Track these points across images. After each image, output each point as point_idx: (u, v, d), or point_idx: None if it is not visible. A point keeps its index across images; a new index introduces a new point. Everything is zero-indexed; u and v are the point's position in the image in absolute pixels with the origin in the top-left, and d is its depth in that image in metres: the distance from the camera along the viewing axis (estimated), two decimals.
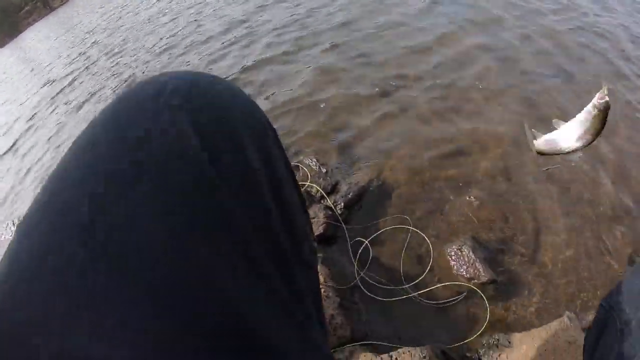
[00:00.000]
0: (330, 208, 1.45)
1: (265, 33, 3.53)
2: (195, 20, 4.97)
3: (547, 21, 2.64)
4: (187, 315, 0.26)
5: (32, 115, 4.68)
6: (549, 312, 1.15)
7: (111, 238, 0.25)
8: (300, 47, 2.99)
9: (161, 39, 4.84)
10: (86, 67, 5.42)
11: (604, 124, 0.61)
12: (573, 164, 1.53)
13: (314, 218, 1.37)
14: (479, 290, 1.18)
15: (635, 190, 1.49)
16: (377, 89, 2.19)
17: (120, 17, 7.91)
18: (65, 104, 4.41)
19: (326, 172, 1.63)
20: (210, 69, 3.27)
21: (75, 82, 5.00)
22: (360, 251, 1.32)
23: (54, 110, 4.45)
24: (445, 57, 2.39)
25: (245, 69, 2.96)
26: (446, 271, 1.26)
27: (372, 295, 1.21)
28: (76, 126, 3.59)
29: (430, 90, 2.12)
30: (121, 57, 5.00)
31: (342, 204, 1.46)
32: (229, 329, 0.28)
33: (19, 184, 3.16)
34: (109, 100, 0.34)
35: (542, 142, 0.70)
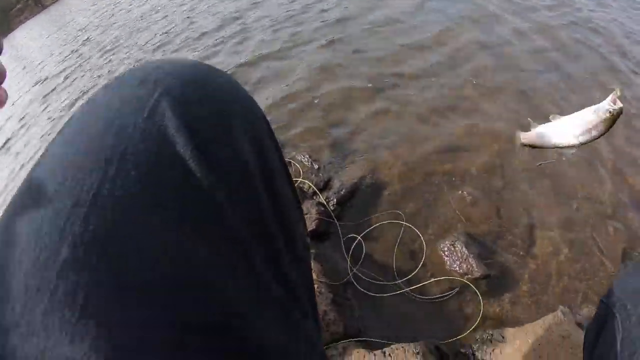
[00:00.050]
0: (322, 204, 1.43)
1: (260, 29, 3.50)
2: (188, 17, 4.92)
3: (541, 17, 2.64)
4: (179, 313, 0.24)
5: (25, 114, 4.62)
6: (543, 306, 1.15)
7: (98, 232, 0.23)
8: (295, 44, 2.96)
9: (154, 36, 4.79)
10: (79, 65, 5.35)
11: (612, 127, 0.60)
12: (564, 159, 1.53)
13: (306, 214, 1.35)
14: (472, 286, 1.17)
15: (630, 186, 1.50)
16: (372, 85, 2.18)
17: (112, 15, 7.83)
18: (58, 102, 4.36)
19: (319, 168, 1.61)
20: None
21: (68, 80, 4.94)
22: (353, 247, 1.30)
23: (46, 108, 4.40)
24: (440, 53, 2.38)
25: (240, 66, 2.93)
26: (439, 267, 1.25)
27: (365, 291, 1.20)
28: None
29: (425, 86, 2.11)
30: (114, 54, 4.95)
31: (335, 200, 1.45)
32: (224, 328, 0.27)
33: (12, 182, 3.12)
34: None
35: (537, 132, 0.69)
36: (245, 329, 0.27)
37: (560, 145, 0.65)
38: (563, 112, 0.64)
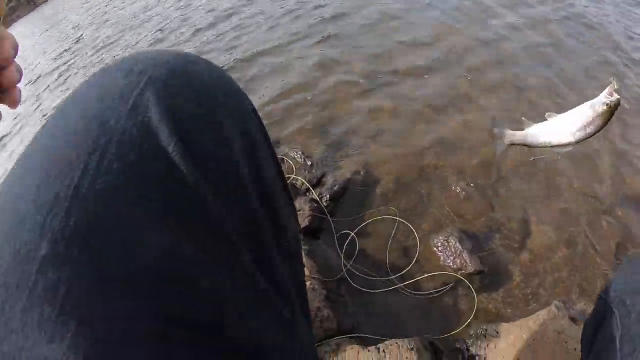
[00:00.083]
0: (315, 200, 1.42)
1: (255, 25, 3.48)
2: (182, 14, 4.88)
3: (536, 12, 2.64)
4: (163, 305, 0.24)
5: (18, 113, 4.57)
6: (537, 301, 1.15)
7: (79, 225, 0.23)
8: (290, 40, 2.94)
9: (148, 33, 4.75)
10: (72, 63, 5.30)
11: (609, 120, 0.59)
12: (559, 157, 1.52)
13: (299, 211, 1.34)
14: (466, 281, 1.17)
15: (624, 180, 1.50)
16: (366, 81, 2.17)
17: (105, 12, 7.75)
18: (51, 100, 4.32)
19: (311, 164, 1.60)
20: None
21: (61, 78, 4.90)
22: (346, 243, 1.30)
23: (39, 106, 4.35)
24: (435, 49, 2.37)
25: (235, 62, 2.91)
26: (433, 262, 1.25)
27: (358, 287, 1.19)
28: None
29: (419, 82, 2.10)
30: (107, 52, 4.90)
31: (328, 196, 1.44)
32: (217, 327, 0.26)
33: None
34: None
35: (531, 131, 0.68)
36: (241, 328, 0.27)
37: (557, 144, 0.64)
38: (558, 107, 0.63)
